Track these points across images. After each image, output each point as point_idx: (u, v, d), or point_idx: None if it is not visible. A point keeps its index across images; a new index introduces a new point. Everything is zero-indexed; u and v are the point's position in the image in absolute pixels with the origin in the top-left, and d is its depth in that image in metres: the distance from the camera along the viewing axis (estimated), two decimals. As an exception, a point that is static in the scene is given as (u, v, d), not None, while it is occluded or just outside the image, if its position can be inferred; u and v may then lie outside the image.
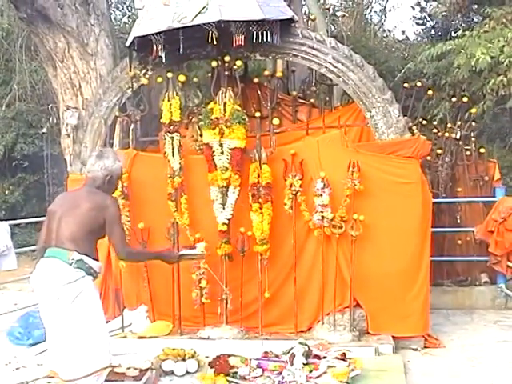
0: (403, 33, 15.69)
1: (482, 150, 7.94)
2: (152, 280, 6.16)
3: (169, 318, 6.13)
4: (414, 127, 6.86)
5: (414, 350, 5.84)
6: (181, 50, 5.69)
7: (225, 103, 5.90)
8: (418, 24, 14.90)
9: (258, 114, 6.15)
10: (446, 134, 7.84)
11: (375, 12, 17.38)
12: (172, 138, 6.02)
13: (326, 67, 6.07)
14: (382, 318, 5.86)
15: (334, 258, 5.86)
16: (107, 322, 4.95)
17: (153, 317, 6.20)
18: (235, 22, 5.58)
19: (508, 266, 7.32)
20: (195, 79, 6.92)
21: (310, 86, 7.19)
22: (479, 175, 7.86)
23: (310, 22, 8.37)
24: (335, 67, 6.02)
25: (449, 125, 8.06)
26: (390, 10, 17.52)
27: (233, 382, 4.86)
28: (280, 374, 4.85)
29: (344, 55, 6.01)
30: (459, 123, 7.93)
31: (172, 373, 5.21)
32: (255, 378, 4.85)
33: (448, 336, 6.30)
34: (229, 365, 5.01)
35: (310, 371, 4.82)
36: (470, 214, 7.87)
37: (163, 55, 5.78)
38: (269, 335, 5.92)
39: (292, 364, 4.88)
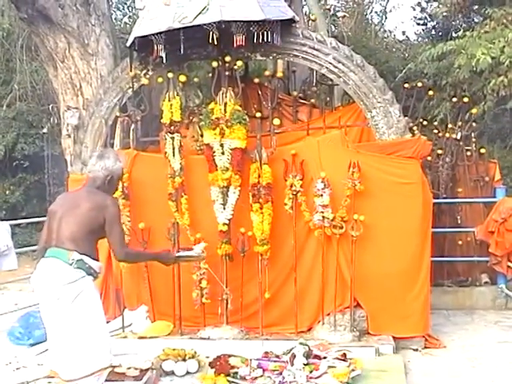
0: (404, 33, 15.69)
1: (482, 151, 7.94)
2: (152, 280, 6.17)
3: (169, 318, 6.14)
4: (415, 127, 6.85)
5: (414, 350, 5.84)
6: (181, 50, 5.70)
7: (225, 103, 5.91)
8: (418, 24, 14.90)
9: (258, 115, 6.15)
10: (447, 135, 7.84)
11: (376, 12, 17.42)
12: (173, 138, 6.03)
13: (326, 67, 6.07)
14: (382, 318, 5.86)
15: (335, 259, 5.86)
16: (108, 322, 4.95)
17: (153, 317, 6.20)
18: (236, 22, 5.58)
19: (508, 267, 7.32)
20: (196, 79, 6.92)
21: (311, 86, 7.18)
22: (480, 176, 7.86)
23: (310, 22, 8.38)
24: (336, 67, 6.02)
25: (449, 125, 8.07)
26: (390, 11, 17.53)
27: (233, 382, 4.86)
28: (280, 374, 4.85)
29: (345, 55, 6.01)
30: (460, 123, 7.93)
31: (172, 373, 5.21)
32: (255, 378, 4.85)
33: (448, 336, 6.30)
34: (229, 365, 5.01)
35: (311, 371, 4.83)
36: (470, 215, 7.87)
37: (164, 55, 5.79)
38: (269, 335, 5.92)
39: (292, 364, 4.88)
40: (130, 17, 15.71)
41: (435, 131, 8.00)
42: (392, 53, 14.12)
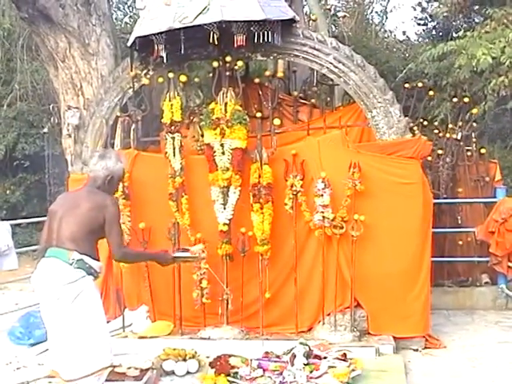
0: (404, 33, 15.67)
1: (482, 151, 7.94)
2: (153, 280, 6.17)
3: (169, 318, 6.14)
4: (415, 128, 6.86)
5: (414, 350, 5.84)
6: (182, 50, 5.71)
7: (226, 103, 5.91)
8: (419, 24, 14.90)
9: (259, 115, 6.15)
10: (447, 135, 7.84)
11: (376, 12, 17.41)
12: (173, 138, 6.03)
13: (327, 67, 6.07)
14: (382, 318, 5.86)
15: (335, 259, 5.86)
16: (108, 321, 4.96)
17: (153, 317, 6.21)
18: (236, 22, 5.59)
19: (509, 267, 7.31)
20: (196, 79, 6.92)
21: (311, 86, 7.18)
22: (480, 176, 7.86)
23: (311, 22, 8.38)
24: (336, 67, 6.02)
25: (450, 125, 8.07)
26: (391, 11, 17.49)
27: (233, 382, 4.85)
28: (281, 374, 4.85)
29: (345, 55, 6.01)
30: (460, 124, 7.93)
31: (173, 373, 5.21)
32: (256, 378, 4.84)
33: (449, 336, 6.30)
34: (229, 365, 5.01)
35: (311, 371, 4.83)
36: (470, 215, 7.87)
37: (164, 55, 5.80)
38: (269, 335, 5.92)
39: (293, 364, 4.88)
40: (130, 17, 15.72)
41: (436, 131, 7.99)
42: (392, 53, 14.11)
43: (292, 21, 5.99)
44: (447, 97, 9.74)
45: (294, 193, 5.86)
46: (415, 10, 14.85)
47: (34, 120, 12.98)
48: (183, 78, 6.15)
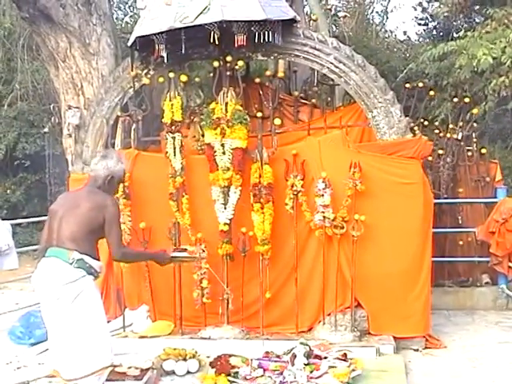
0: (405, 33, 15.67)
1: (483, 151, 7.94)
2: (153, 280, 6.17)
3: (170, 317, 6.14)
4: (416, 128, 6.86)
5: (415, 350, 5.84)
6: (183, 49, 5.71)
7: (226, 103, 5.91)
8: (419, 24, 14.90)
9: (259, 114, 6.15)
10: (448, 135, 7.84)
11: (377, 12, 17.40)
12: (173, 137, 6.03)
13: (327, 67, 6.07)
14: (383, 318, 5.86)
15: (336, 259, 5.86)
16: (108, 321, 4.95)
17: (154, 316, 6.21)
18: (237, 22, 5.59)
19: (509, 267, 7.31)
20: (197, 79, 6.92)
21: (312, 86, 7.18)
22: (481, 176, 7.86)
23: (311, 22, 8.38)
24: (337, 67, 6.02)
25: (450, 125, 8.07)
26: (391, 11, 17.45)
27: (234, 382, 4.85)
28: (281, 374, 4.86)
29: (346, 55, 6.01)
30: (461, 124, 7.93)
31: (173, 372, 5.21)
32: (256, 378, 4.85)
33: (449, 336, 6.30)
34: (230, 365, 5.01)
35: (311, 371, 4.83)
36: (471, 215, 7.87)
37: (165, 55, 5.80)
38: (270, 335, 5.92)
39: (293, 364, 4.88)
40: (131, 16, 15.72)
41: (436, 131, 7.99)
42: (393, 53, 14.11)
43: (293, 21, 5.99)
44: (448, 97, 9.74)
45: (295, 193, 5.86)
46: (416, 9, 14.86)
47: (35, 120, 12.98)
48: (184, 78, 6.15)
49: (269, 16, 5.63)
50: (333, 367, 4.89)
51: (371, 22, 16.92)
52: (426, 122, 7.79)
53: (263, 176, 5.85)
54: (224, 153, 5.84)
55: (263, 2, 5.71)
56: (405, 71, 10.57)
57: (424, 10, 14.52)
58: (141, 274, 6.19)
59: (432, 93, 7.91)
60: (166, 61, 5.88)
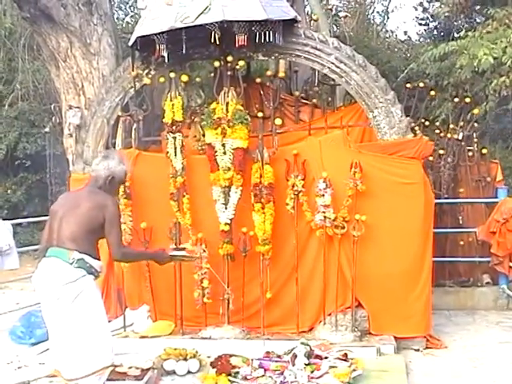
0: (406, 33, 15.66)
1: (484, 151, 7.94)
2: (154, 280, 6.17)
3: (171, 317, 6.14)
4: (417, 128, 6.87)
5: (415, 350, 5.84)
6: (183, 49, 5.70)
7: (227, 103, 5.91)
8: (420, 24, 14.89)
9: (260, 114, 6.15)
10: (449, 135, 7.84)
11: (378, 12, 17.37)
12: (174, 137, 6.03)
13: (328, 67, 6.07)
14: (383, 318, 5.86)
15: (336, 259, 5.86)
16: (109, 321, 4.95)
17: (155, 316, 6.21)
18: (238, 22, 5.59)
19: (510, 267, 7.31)
20: (198, 79, 6.91)
21: (313, 86, 7.19)
22: (481, 176, 7.86)
23: (312, 22, 8.39)
24: (338, 67, 6.02)
25: (451, 125, 8.07)
26: (392, 11, 17.41)
27: (234, 381, 4.86)
28: (282, 374, 4.86)
29: (346, 55, 6.01)
30: (461, 124, 7.94)
31: (174, 372, 5.22)
32: (257, 378, 4.85)
33: (450, 337, 6.30)
34: (230, 365, 5.01)
35: (312, 371, 4.83)
36: (472, 215, 7.87)
37: (166, 55, 5.80)
38: (270, 335, 5.92)
39: (294, 364, 4.88)
40: (131, 16, 15.71)
41: (437, 131, 7.99)
42: (394, 53, 14.11)
43: (294, 21, 5.99)
44: (448, 97, 9.74)
45: (296, 193, 5.86)
46: (416, 10, 14.85)
47: (36, 119, 12.99)
48: (185, 78, 6.15)
49: (270, 16, 5.63)
50: (333, 367, 4.89)
51: (372, 21, 16.91)
52: (426, 122, 7.80)
53: (264, 176, 5.84)
54: (225, 153, 5.84)
55: (264, 1, 5.71)
56: (406, 71, 10.56)
57: (425, 10, 14.51)
58: (141, 273, 6.19)
59: (433, 93, 7.91)
60: (166, 61, 5.89)
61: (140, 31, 5.91)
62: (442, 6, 11.64)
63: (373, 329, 5.89)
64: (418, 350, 5.84)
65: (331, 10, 12.30)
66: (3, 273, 7.77)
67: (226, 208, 5.91)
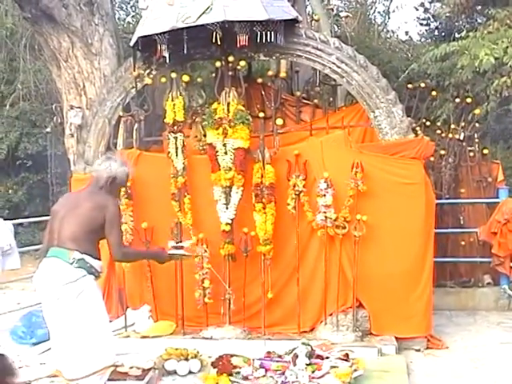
0: (407, 33, 15.65)
1: (485, 151, 7.94)
2: (155, 280, 6.17)
3: (172, 317, 6.14)
4: (418, 128, 6.87)
5: (416, 350, 5.84)
6: (185, 50, 5.70)
7: (228, 103, 5.91)
8: (421, 25, 14.88)
9: (261, 115, 6.16)
10: (450, 135, 7.84)
11: (379, 12, 17.36)
12: (175, 137, 6.03)
13: (329, 68, 6.07)
14: (384, 318, 5.86)
15: (337, 259, 5.86)
16: (110, 321, 4.96)
17: (156, 316, 6.21)
18: (239, 22, 5.59)
19: (511, 268, 7.31)
20: (199, 79, 6.93)
21: (314, 86, 7.19)
22: (482, 176, 7.85)
23: (313, 22, 8.39)
24: (339, 68, 6.02)
25: (452, 126, 8.06)
26: (393, 11, 17.36)
27: (235, 381, 4.86)
28: (283, 374, 4.85)
29: (348, 56, 6.01)
30: (463, 124, 7.93)
31: (175, 372, 5.22)
32: (258, 378, 4.85)
33: (451, 337, 6.30)
34: (231, 365, 5.01)
35: (313, 371, 4.83)
36: (473, 215, 7.87)
37: (167, 55, 5.81)
38: (272, 335, 5.92)
39: (295, 364, 4.88)
40: (133, 16, 15.70)
41: (438, 132, 7.99)
42: (395, 53, 14.09)
43: (295, 21, 5.99)
44: (450, 97, 9.72)
45: (297, 193, 5.86)
46: (418, 10, 14.82)
47: (37, 119, 12.99)
48: (186, 78, 6.15)
49: (271, 16, 5.64)
50: (335, 367, 4.88)
51: (373, 22, 16.89)
52: (427, 123, 7.78)
53: (265, 176, 5.85)
54: (226, 153, 5.84)
55: (265, 2, 5.71)
56: (407, 71, 10.54)
57: (426, 10, 14.49)
58: (143, 273, 6.19)
59: (434, 93, 7.91)
60: (168, 61, 5.89)
61: (141, 31, 5.91)
62: (443, 6, 11.62)
63: (374, 329, 5.89)
64: (418, 351, 5.84)
65: (332, 10, 12.31)
66: (4, 273, 7.77)
67: (227, 208, 5.91)
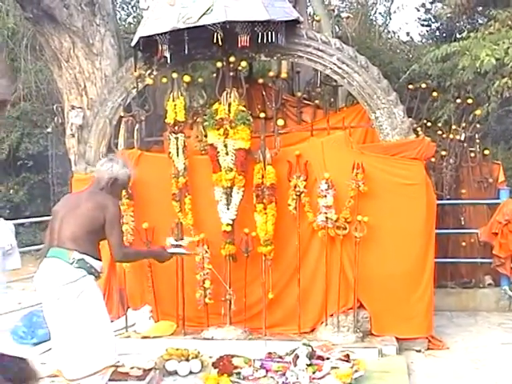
0: (408, 34, 15.65)
1: (486, 152, 7.94)
2: (156, 280, 6.17)
3: (172, 318, 6.14)
4: (419, 129, 6.87)
5: (417, 351, 5.84)
6: (186, 50, 5.70)
7: (229, 104, 5.91)
8: (422, 25, 14.89)
9: (262, 115, 6.16)
10: (451, 136, 7.84)
11: (380, 13, 17.37)
12: (176, 138, 6.03)
13: (330, 68, 6.07)
14: (385, 319, 5.86)
15: (338, 259, 5.86)
16: (111, 321, 4.96)
17: (157, 317, 6.21)
18: (240, 22, 5.59)
19: (512, 268, 7.32)
20: (200, 80, 6.92)
21: (315, 87, 7.19)
22: (483, 177, 7.85)
23: (314, 23, 8.37)
24: (340, 68, 6.02)
25: (453, 126, 8.05)
26: (394, 12, 17.44)
27: (236, 382, 4.86)
28: (283, 374, 4.85)
29: (349, 56, 6.01)
30: (464, 125, 7.93)
31: (175, 373, 5.21)
32: (258, 378, 4.85)
33: (452, 338, 6.29)
34: (232, 365, 5.01)
35: (314, 372, 4.83)
36: (474, 216, 7.87)
37: (168, 55, 5.80)
38: (272, 336, 5.91)
39: (295, 365, 4.88)
40: (134, 17, 15.72)
41: (439, 132, 7.99)
42: (396, 54, 14.09)
43: (296, 21, 5.99)
44: (451, 98, 9.72)
45: (298, 193, 5.86)
46: (419, 11, 14.84)
47: (38, 120, 13.00)
48: (187, 79, 6.15)
49: (272, 17, 5.63)
50: (335, 368, 4.89)
51: (374, 22, 16.89)
52: (428, 123, 7.79)
53: (266, 177, 5.85)
54: (227, 153, 5.84)
55: (266, 2, 5.71)
56: (408, 72, 10.54)
57: (427, 11, 14.50)
58: (144, 274, 6.19)
59: (435, 94, 7.91)
60: (169, 61, 5.89)
61: (142, 31, 5.91)
62: (445, 7, 11.63)
63: (375, 330, 5.89)
64: (419, 351, 5.83)
65: (333, 10, 12.31)
66: (5, 273, 7.77)
67: (227, 209, 5.90)
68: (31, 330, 6.40)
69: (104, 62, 7.21)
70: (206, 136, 6.08)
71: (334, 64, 6.02)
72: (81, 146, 6.72)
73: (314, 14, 10.12)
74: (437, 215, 6.08)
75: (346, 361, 5.01)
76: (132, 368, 4.89)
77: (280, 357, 5.14)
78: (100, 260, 4.15)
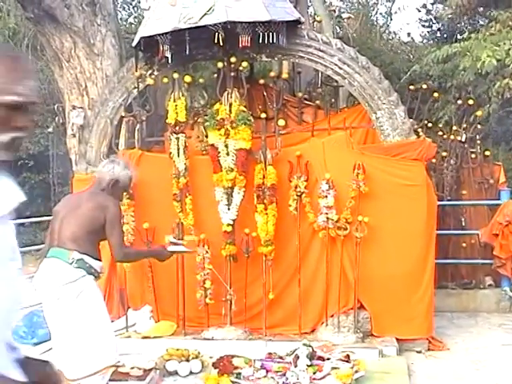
0: (409, 35, 15.71)
1: (487, 153, 7.94)
2: (156, 280, 6.17)
3: (173, 318, 6.14)
4: (420, 129, 6.86)
5: (417, 352, 5.83)
6: (187, 50, 5.71)
7: (230, 104, 5.91)
8: (423, 26, 14.91)
9: (263, 115, 6.15)
10: (452, 137, 7.84)
11: (381, 14, 17.41)
12: (177, 138, 6.03)
13: (331, 69, 6.07)
14: (386, 320, 5.86)
15: (339, 260, 5.86)
16: (112, 321, 4.96)
17: (157, 317, 6.21)
18: (241, 23, 5.59)
19: (512, 269, 7.32)
20: (201, 80, 6.93)
21: (316, 87, 7.19)
22: (484, 178, 7.86)
23: (316, 23, 8.38)
24: (341, 69, 6.02)
25: (454, 127, 8.06)
26: (395, 12, 17.45)
27: (236, 382, 4.86)
28: (284, 375, 4.85)
29: (350, 57, 6.01)
30: (465, 126, 7.94)
31: (176, 373, 5.21)
32: (259, 378, 4.85)
33: (452, 339, 6.29)
34: (232, 365, 5.02)
35: (314, 372, 4.83)
36: (474, 217, 7.87)
37: (169, 56, 5.81)
38: (273, 336, 5.92)
39: (296, 365, 4.88)
40: (135, 17, 15.75)
41: (440, 133, 7.99)
42: (397, 54, 14.11)
43: (297, 22, 5.99)
44: (452, 99, 9.72)
45: (298, 194, 5.86)
46: (420, 11, 14.86)
47: (39, 120, 12.99)
48: (188, 79, 6.15)
49: (273, 17, 5.64)
50: (336, 368, 4.89)
51: (375, 23, 16.92)
52: (429, 124, 7.80)
53: (267, 177, 5.85)
54: (228, 154, 5.84)
55: (267, 3, 5.72)
56: (409, 73, 10.54)
57: (428, 11, 14.52)
58: (144, 274, 6.19)
59: (436, 95, 7.91)
60: (170, 61, 5.89)
61: (143, 32, 5.91)
62: (446, 7, 11.64)
63: (375, 330, 5.89)
64: (420, 352, 5.83)
65: (334, 11, 12.33)
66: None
67: (228, 209, 5.90)
68: (31, 330, 6.40)
69: (105, 62, 7.22)
70: (206, 136, 6.09)
71: (335, 64, 6.02)
72: (82, 146, 6.72)
73: (315, 14, 10.13)
74: (437, 216, 6.08)
75: (347, 361, 5.01)
76: (132, 368, 4.90)
77: (280, 357, 5.14)
78: (100, 260, 4.15)
